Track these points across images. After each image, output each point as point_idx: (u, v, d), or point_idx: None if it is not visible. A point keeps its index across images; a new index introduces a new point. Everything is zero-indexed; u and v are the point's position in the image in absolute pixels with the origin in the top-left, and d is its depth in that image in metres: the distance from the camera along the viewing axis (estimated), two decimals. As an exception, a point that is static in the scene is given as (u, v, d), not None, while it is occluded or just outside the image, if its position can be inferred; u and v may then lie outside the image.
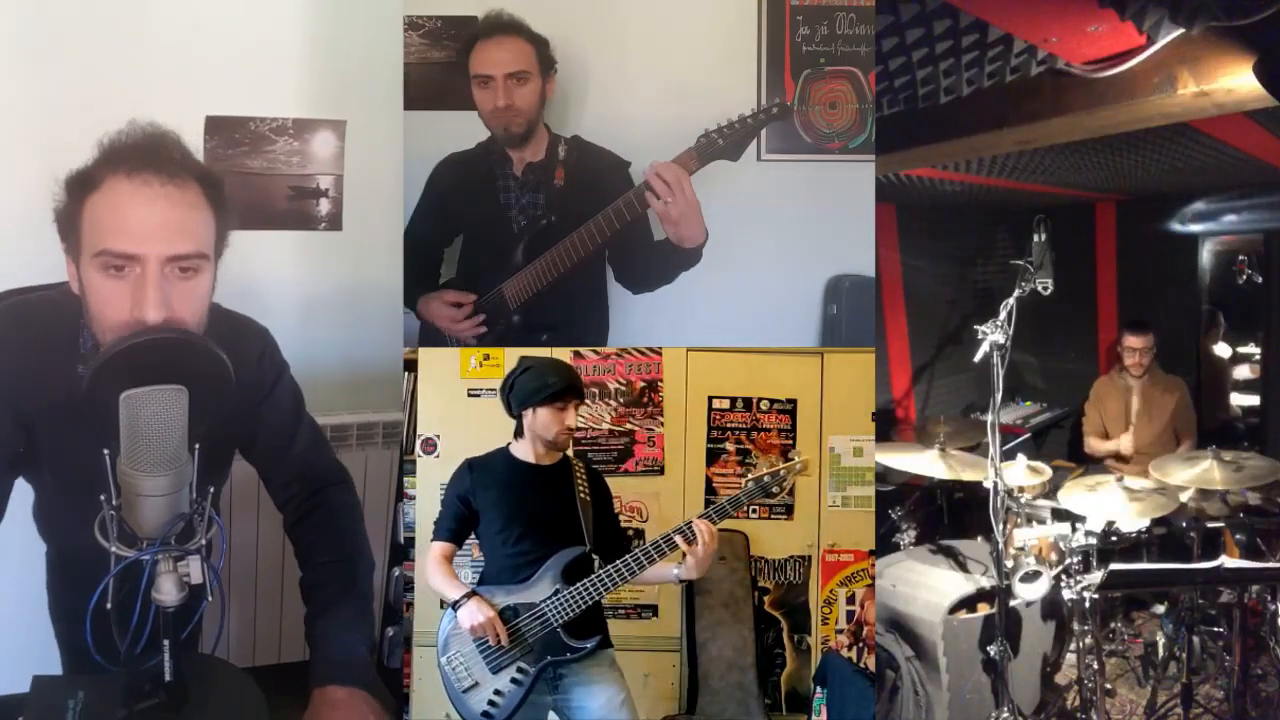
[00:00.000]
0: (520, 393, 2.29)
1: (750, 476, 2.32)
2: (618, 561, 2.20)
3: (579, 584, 2.20)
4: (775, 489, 2.31)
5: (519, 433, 2.34)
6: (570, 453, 2.40)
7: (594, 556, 2.26)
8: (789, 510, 2.98)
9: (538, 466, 2.33)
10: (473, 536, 2.38)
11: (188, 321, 1.61)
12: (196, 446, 1.46)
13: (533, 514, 2.29)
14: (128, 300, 1.57)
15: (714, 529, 2.18)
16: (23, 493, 1.93)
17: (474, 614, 2.17)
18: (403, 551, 2.87)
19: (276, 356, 1.99)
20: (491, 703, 2.19)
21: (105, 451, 1.42)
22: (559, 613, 2.19)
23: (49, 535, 2.07)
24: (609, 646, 2.29)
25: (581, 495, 2.32)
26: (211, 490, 1.49)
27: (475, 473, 2.33)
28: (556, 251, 2.50)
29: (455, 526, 2.32)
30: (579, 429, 2.86)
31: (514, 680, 2.19)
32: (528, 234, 2.58)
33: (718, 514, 2.22)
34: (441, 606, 2.31)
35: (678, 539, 2.16)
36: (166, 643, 1.46)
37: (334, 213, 3.21)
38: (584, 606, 2.20)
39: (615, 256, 2.64)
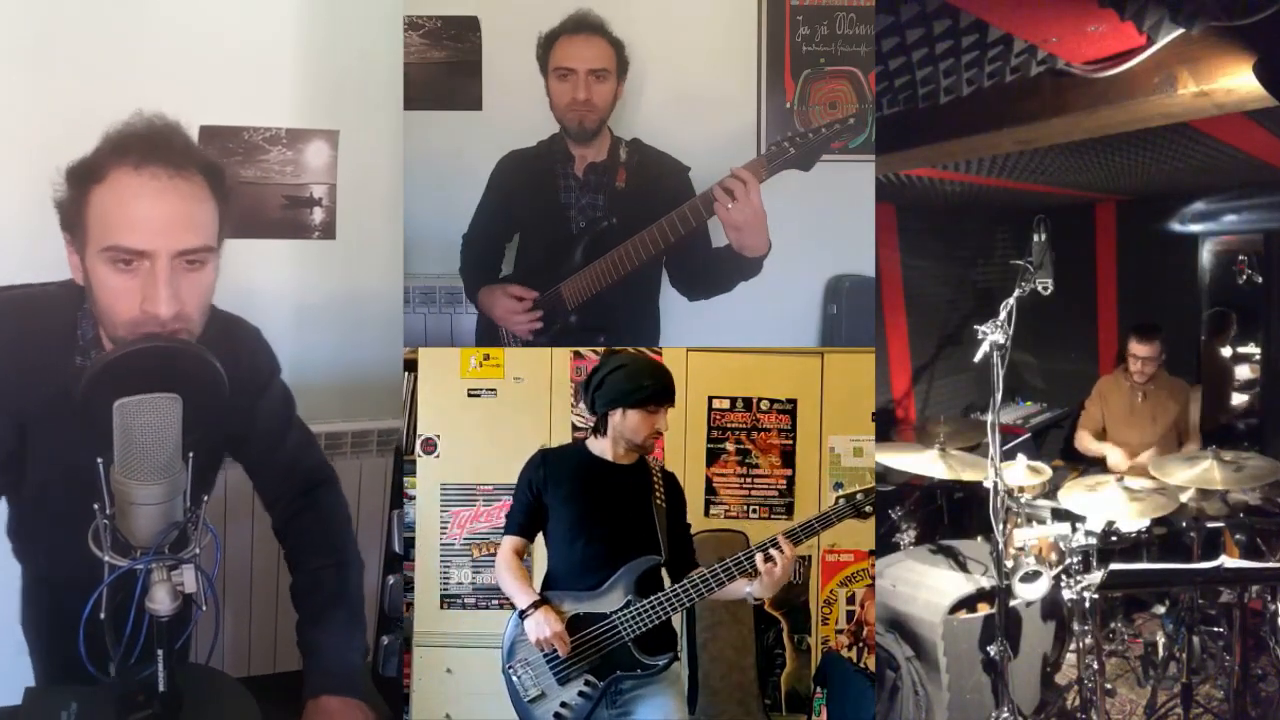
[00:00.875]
0: (611, 392, 2.20)
1: (842, 493, 2.22)
2: (694, 577, 2.13)
3: (654, 598, 2.13)
4: (868, 507, 2.20)
5: (599, 430, 2.24)
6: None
7: (666, 568, 2.19)
8: (789, 510, 2.97)
9: (615, 465, 2.23)
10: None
11: (193, 314, 1.62)
12: (190, 455, 1.45)
13: (607, 515, 2.20)
14: (138, 295, 1.57)
15: (794, 549, 2.10)
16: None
17: (541, 626, 2.10)
18: (402, 554, 2.86)
19: (269, 356, 1.98)
20: (558, 715, 2.12)
21: (99, 460, 1.41)
22: (631, 627, 2.12)
23: (31, 549, 2.03)
24: (676, 660, 2.21)
25: (658, 501, 2.24)
26: (206, 499, 1.48)
27: (549, 464, 2.24)
28: (618, 254, 2.48)
29: (525, 520, 2.23)
30: (581, 429, 2.86)
31: (582, 694, 2.12)
32: (587, 235, 2.57)
33: (805, 533, 2.14)
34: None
35: (759, 558, 2.09)
36: (160, 653, 1.45)
37: (328, 221, 3.21)
38: (658, 622, 2.12)
39: (673, 261, 2.61)
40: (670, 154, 2.63)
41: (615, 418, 2.20)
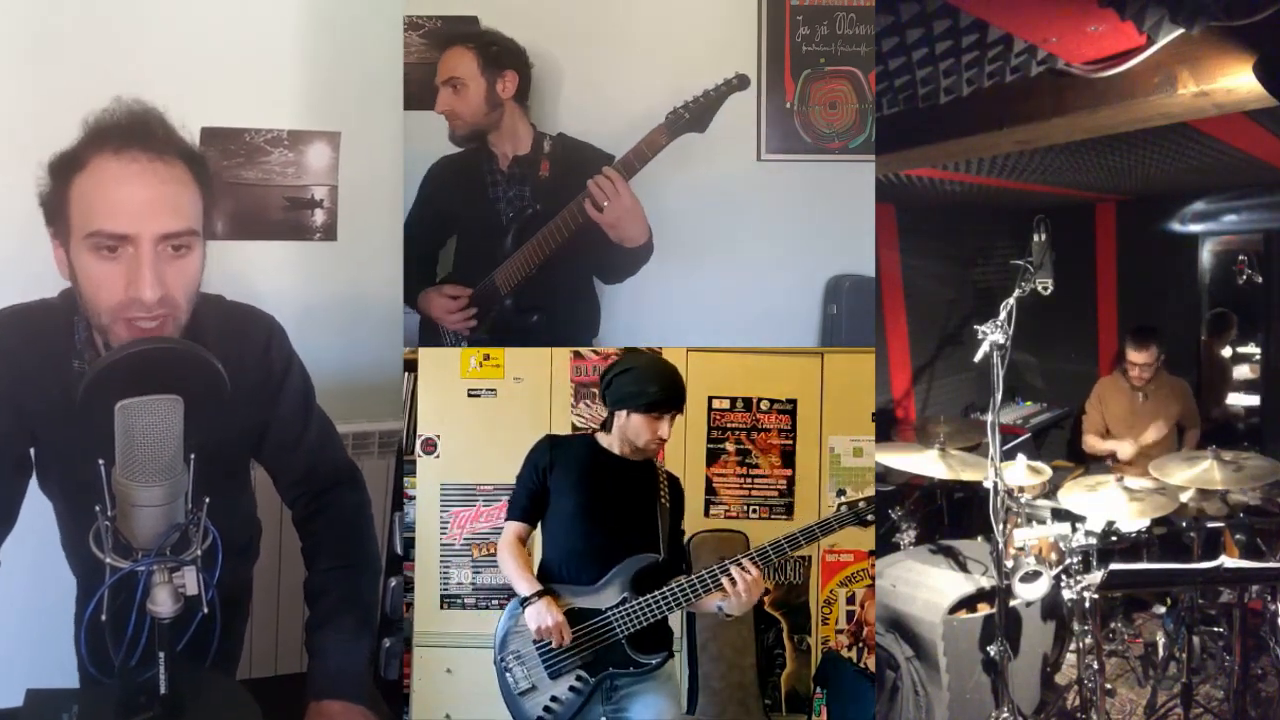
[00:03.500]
0: (617, 393, 2.21)
1: (844, 499, 2.22)
2: (683, 582, 2.13)
3: (649, 596, 2.12)
4: (870, 515, 2.20)
5: (607, 426, 2.25)
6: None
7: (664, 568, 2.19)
8: (789, 510, 2.97)
9: (622, 459, 2.23)
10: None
11: (179, 299, 1.61)
12: (192, 457, 1.45)
13: (610, 506, 2.20)
14: (122, 280, 1.56)
15: (756, 577, 2.09)
16: (31, 510, 1.92)
17: (543, 615, 2.10)
18: (402, 554, 2.86)
19: (284, 345, 1.96)
20: (548, 709, 2.12)
21: (100, 462, 1.41)
22: (626, 624, 2.12)
23: (75, 563, 2.03)
24: (671, 658, 2.21)
25: (663, 501, 2.24)
26: (207, 500, 1.48)
27: (557, 449, 2.25)
28: (538, 239, 2.54)
29: (529, 505, 2.22)
30: (581, 429, 2.87)
31: (573, 688, 2.12)
32: (516, 223, 2.62)
33: (759, 558, 2.12)
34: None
35: (724, 580, 2.09)
36: (162, 655, 1.45)
37: (329, 223, 3.22)
38: (651, 621, 2.13)
39: (587, 249, 2.62)
40: (593, 146, 2.65)
41: (620, 418, 2.21)
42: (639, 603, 2.12)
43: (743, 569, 2.09)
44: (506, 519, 2.26)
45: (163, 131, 1.64)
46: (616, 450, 2.24)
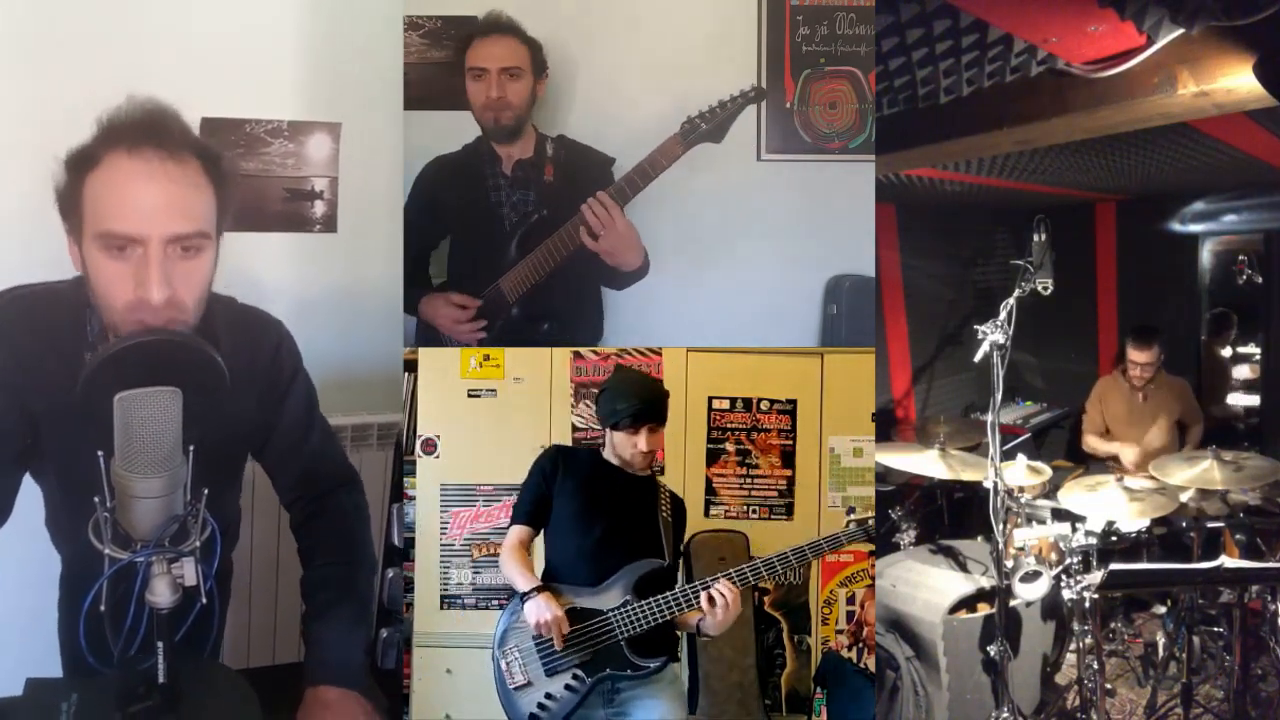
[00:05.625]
0: (600, 412, 2.32)
1: (853, 518, 2.29)
2: (687, 587, 2.15)
3: (651, 599, 2.14)
4: (871, 530, 2.29)
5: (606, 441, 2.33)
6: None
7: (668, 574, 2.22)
8: (789, 510, 2.97)
9: (622, 470, 2.29)
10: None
11: (187, 302, 1.60)
12: (191, 448, 1.45)
13: (611, 511, 2.24)
14: (131, 280, 1.56)
15: (735, 594, 2.11)
16: (28, 499, 1.92)
17: (542, 609, 2.10)
18: (402, 553, 2.86)
19: (292, 350, 1.97)
20: (542, 705, 2.12)
21: (99, 453, 1.41)
22: (626, 626, 2.13)
23: (61, 544, 2.03)
24: (675, 661, 2.21)
25: (664, 514, 2.28)
26: (206, 491, 1.48)
27: (563, 455, 2.32)
28: (547, 246, 2.53)
29: (534, 509, 2.26)
30: (581, 429, 2.87)
31: (568, 686, 2.12)
32: (520, 229, 2.60)
33: (749, 575, 2.16)
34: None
35: (703, 596, 2.11)
36: (160, 645, 1.45)
37: (329, 215, 3.22)
38: (652, 624, 2.13)
39: (592, 259, 2.61)
40: (595, 149, 2.66)
41: (609, 435, 2.30)
42: (641, 605, 2.13)
43: (721, 591, 2.10)
44: (511, 523, 2.29)
45: (177, 130, 1.63)
46: (617, 463, 2.30)
